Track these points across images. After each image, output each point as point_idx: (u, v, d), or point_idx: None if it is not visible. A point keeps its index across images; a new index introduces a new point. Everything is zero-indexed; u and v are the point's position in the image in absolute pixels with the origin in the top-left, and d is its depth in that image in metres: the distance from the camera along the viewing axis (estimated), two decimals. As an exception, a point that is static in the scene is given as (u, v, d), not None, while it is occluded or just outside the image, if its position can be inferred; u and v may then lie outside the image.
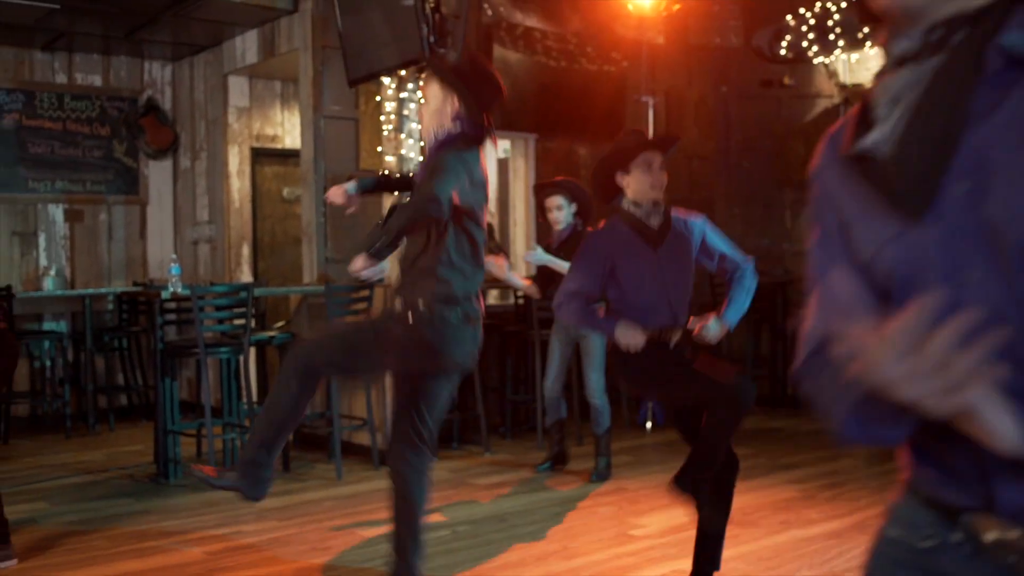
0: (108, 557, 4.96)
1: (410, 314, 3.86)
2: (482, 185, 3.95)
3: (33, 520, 5.65)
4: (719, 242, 4.35)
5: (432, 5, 6.40)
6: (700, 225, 4.34)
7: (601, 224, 4.32)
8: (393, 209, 4.05)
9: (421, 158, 4.04)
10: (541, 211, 6.76)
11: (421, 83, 4.01)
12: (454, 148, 3.89)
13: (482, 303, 4.08)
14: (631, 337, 4.05)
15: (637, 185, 4.15)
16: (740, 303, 4.24)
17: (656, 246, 4.19)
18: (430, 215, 3.73)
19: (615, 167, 4.18)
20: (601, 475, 6.53)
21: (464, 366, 4.06)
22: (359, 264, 3.80)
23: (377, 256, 3.79)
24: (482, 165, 3.97)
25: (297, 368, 3.88)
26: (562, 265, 6.29)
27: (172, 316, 7.11)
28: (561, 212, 6.52)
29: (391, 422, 4.09)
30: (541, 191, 6.68)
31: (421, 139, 4.06)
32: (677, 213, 4.28)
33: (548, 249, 6.60)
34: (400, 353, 3.95)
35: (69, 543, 5.21)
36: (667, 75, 9.72)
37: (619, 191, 4.23)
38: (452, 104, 3.96)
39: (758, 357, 9.59)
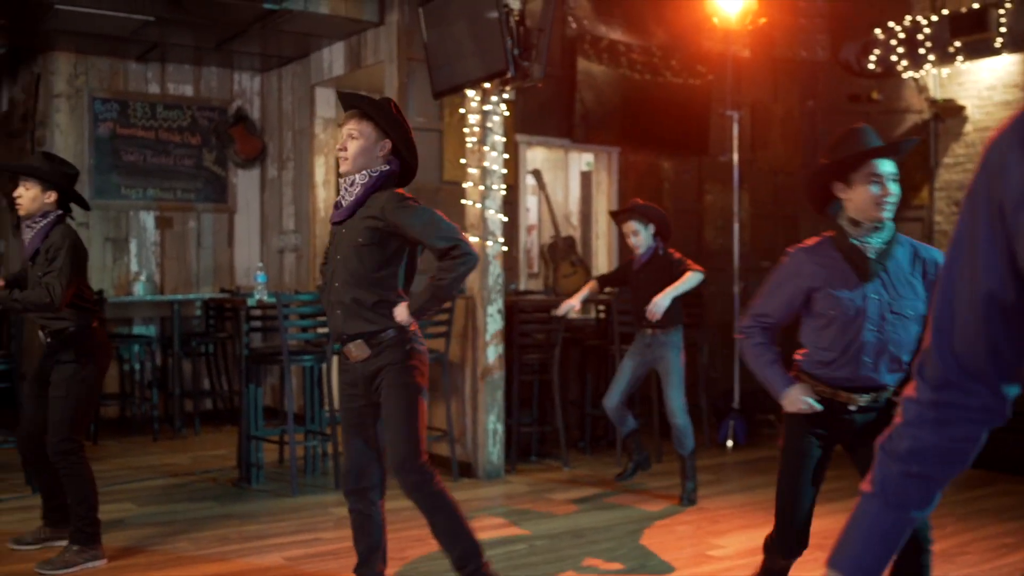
0: (192, 560, 5.05)
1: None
2: None
3: (120, 521, 5.78)
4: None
5: (516, 18, 6.42)
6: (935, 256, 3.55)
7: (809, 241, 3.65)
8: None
9: (345, 187, 4.04)
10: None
11: (346, 118, 3.99)
12: (392, 187, 4.00)
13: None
14: (798, 403, 3.55)
15: (859, 200, 3.46)
16: None
17: (866, 278, 3.48)
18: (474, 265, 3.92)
19: (832, 177, 3.51)
20: (690, 499, 6.38)
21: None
22: (402, 315, 3.93)
23: (417, 316, 3.95)
24: None
25: None
26: (690, 284, 6.27)
27: (257, 323, 7.23)
28: (639, 237, 6.45)
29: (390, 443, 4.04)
30: (617, 217, 6.69)
31: (341, 170, 4.06)
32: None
33: (629, 272, 6.63)
34: None
35: (154, 544, 5.32)
36: (753, 89, 9.63)
37: (833, 198, 3.55)
38: (385, 146, 4.02)
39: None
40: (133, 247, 9.16)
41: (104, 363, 5.08)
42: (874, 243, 3.47)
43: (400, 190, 4.00)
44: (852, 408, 3.55)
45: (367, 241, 3.92)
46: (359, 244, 3.93)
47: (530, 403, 7.81)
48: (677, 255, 6.45)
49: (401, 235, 3.94)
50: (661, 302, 6.14)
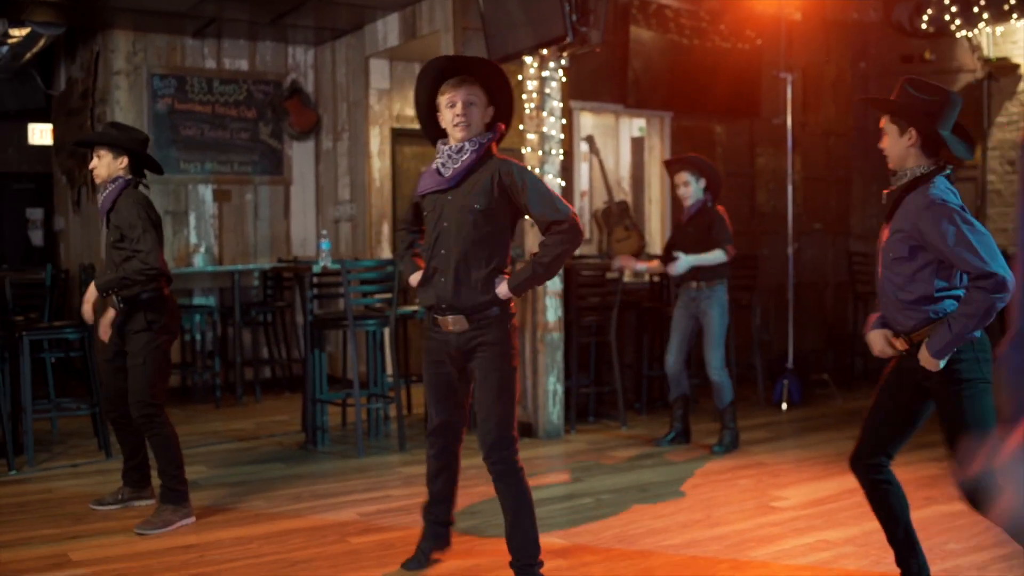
0: (269, 517, 5.21)
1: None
2: None
3: (194, 482, 5.91)
4: None
5: (574, -16, 6.47)
6: None
7: None
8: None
9: (449, 153, 3.93)
10: (673, 187, 6.88)
11: (458, 82, 3.86)
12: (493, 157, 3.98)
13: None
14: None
15: None
16: None
17: None
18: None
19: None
20: (726, 446, 6.60)
21: None
22: (504, 291, 3.87)
23: (516, 293, 3.90)
24: None
25: None
26: (711, 259, 6.49)
27: (318, 291, 7.36)
28: (689, 188, 6.60)
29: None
30: (670, 167, 6.80)
31: (459, 136, 3.93)
32: None
33: (679, 226, 6.77)
34: None
35: (230, 503, 5.48)
36: (804, 52, 9.62)
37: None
38: (490, 112, 3.98)
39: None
40: (192, 220, 9.34)
41: (176, 328, 5.23)
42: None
43: (509, 157, 3.99)
44: None
45: (484, 207, 3.86)
46: (475, 210, 3.86)
47: (587, 365, 7.91)
48: (723, 215, 6.61)
49: (514, 203, 3.90)
50: (681, 264, 6.45)
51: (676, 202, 9.10)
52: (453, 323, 3.93)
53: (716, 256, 6.50)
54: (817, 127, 9.90)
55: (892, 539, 3.86)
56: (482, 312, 3.89)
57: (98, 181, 5.12)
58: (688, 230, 6.64)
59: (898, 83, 3.74)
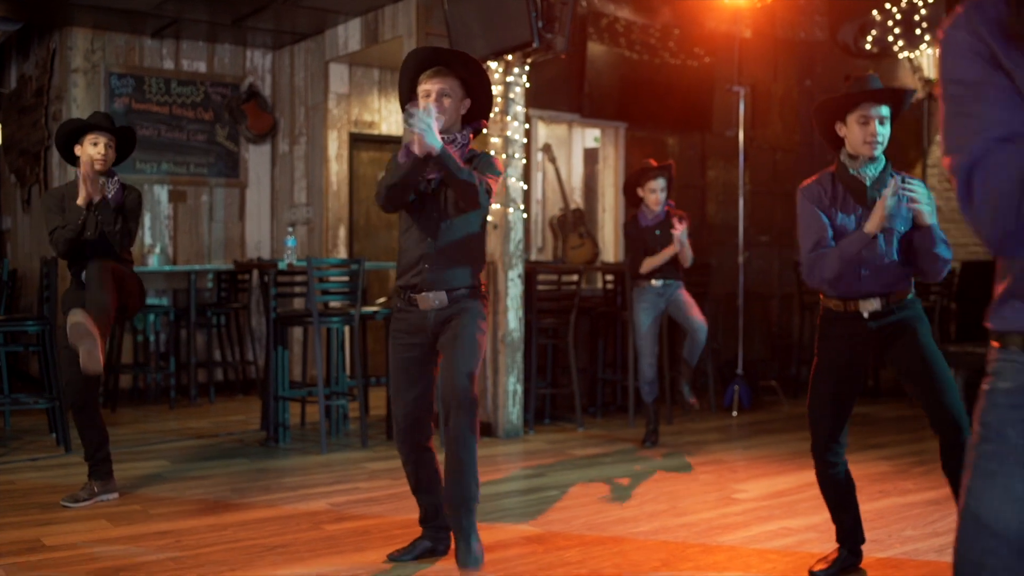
0: (240, 506, 5.25)
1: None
2: None
3: (159, 475, 5.97)
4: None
5: (540, -9, 6.62)
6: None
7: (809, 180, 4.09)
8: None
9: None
10: (631, 195, 7.07)
11: (433, 73, 4.02)
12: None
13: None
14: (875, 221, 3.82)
15: (852, 138, 3.92)
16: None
17: (863, 203, 3.95)
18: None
19: (833, 115, 3.97)
20: (689, 401, 7.19)
21: None
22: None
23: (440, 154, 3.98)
24: None
25: None
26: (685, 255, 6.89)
27: (285, 289, 7.40)
28: (663, 194, 6.91)
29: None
30: (647, 174, 6.93)
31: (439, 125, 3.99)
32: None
33: (638, 227, 7.01)
34: None
35: (200, 494, 5.51)
36: (753, 69, 9.88)
37: (840, 141, 4.02)
38: (466, 104, 4.12)
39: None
40: (147, 220, 9.31)
41: (134, 303, 5.42)
42: (869, 173, 3.96)
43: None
44: (865, 315, 3.94)
45: None
46: (462, 205, 4.04)
47: (544, 368, 8.04)
48: (681, 214, 6.99)
49: None
50: (682, 233, 6.79)
51: (631, 211, 9.31)
52: (435, 298, 4.09)
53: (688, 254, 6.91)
54: (764, 142, 10.17)
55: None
56: (458, 291, 4.11)
57: (101, 168, 5.19)
58: (660, 232, 6.91)
59: None
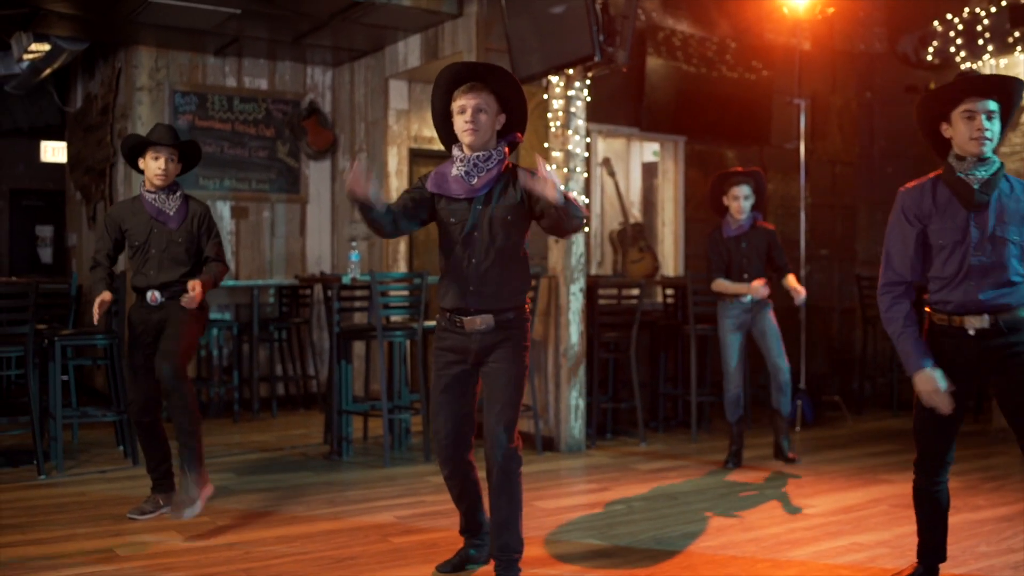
0: (307, 519, 5.29)
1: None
2: None
3: (227, 487, 6.02)
4: None
5: (601, 4, 6.63)
6: None
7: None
8: None
9: (475, 161, 4.03)
10: (716, 203, 6.77)
11: (468, 88, 4.00)
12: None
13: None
14: (930, 395, 3.73)
15: (958, 137, 3.73)
16: None
17: (971, 207, 3.71)
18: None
19: (937, 115, 3.80)
20: (788, 455, 6.79)
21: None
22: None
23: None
24: None
25: None
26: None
27: (346, 303, 7.46)
28: (747, 201, 6.59)
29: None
30: (729, 180, 6.67)
31: (467, 142, 4.02)
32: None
33: (721, 238, 6.70)
34: None
35: (266, 507, 5.56)
36: (811, 81, 9.81)
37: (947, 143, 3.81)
38: (501, 120, 4.08)
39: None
40: (210, 236, 9.40)
41: (206, 319, 5.45)
42: (979, 175, 3.71)
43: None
44: (970, 332, 3.72)
45: (516, 218, 4.01)
46: (508, 221, 4.00)
47: (606, 383, 8.02)
48: (775, 232, 6.73)
49: (531, 207, 4.00)
50: (802, 289, 6.54)
51: (691, 224, 9.29)
52: (481, 322, 4.04)
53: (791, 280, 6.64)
54: (824, 155, 10.09)
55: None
56: (505, 313, 4.05)
57: (163, 183, 5.24)
58: (744, 244, 6.63)
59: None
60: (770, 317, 6.64)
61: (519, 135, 4.18)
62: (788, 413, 6.75)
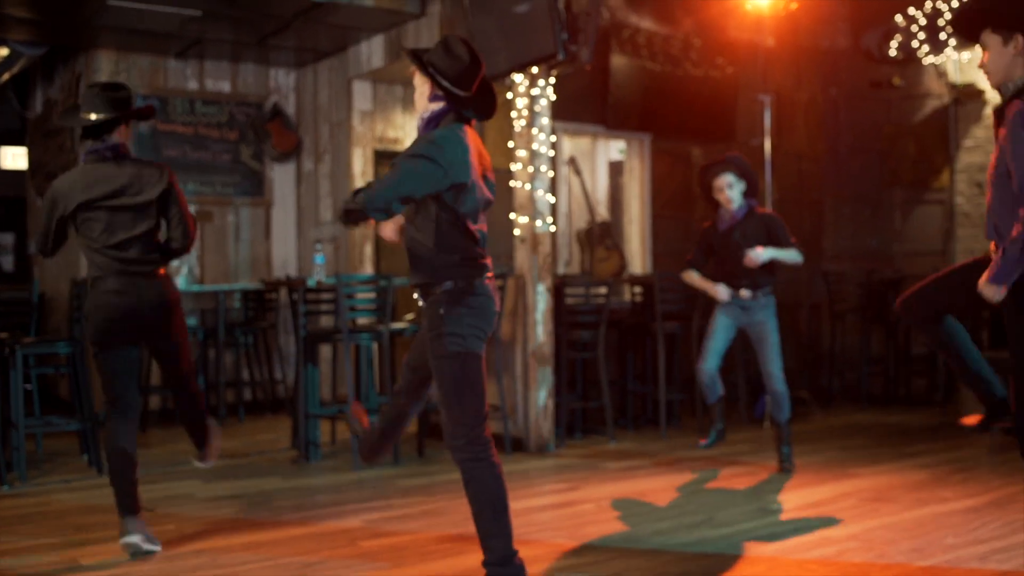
0: (275, 524, 5.23)
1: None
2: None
3: (191, 495, 5.96)
4: None
5: (564, 2, 6.62)
6: None
7: None
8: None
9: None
10: (706, 195, 6.48)
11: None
12: (450, 123, 3.94)
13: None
14: None
15: None
16: None
17: None
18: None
19: None
20: (788, 466, 6.34)
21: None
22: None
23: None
24: (467, 139, 3.92)
25: None
26: (789, 257, 6.20)
27: (312, 307, 7.39)
28: (733, 190, 6.24)
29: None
30: (709, 171, 6.40)
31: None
32: None
33: (713, 235, 6.41)
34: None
35: (234, 513, 5.50)
36: (776, 77, 9.85)
37: None
38: (429, 86, 4.04)
39: (870, 356, 9.61)
40: (174, 241, 9.31)
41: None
42: None
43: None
44: None
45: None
46: None
47: (574, 382, 8.00)
48: (776, 216, 6.36)
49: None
50: (763, 253, 6.06)
51: (657, 222, 9.30)
52: (417, 299, 4.10)
53: (792, 256, 6.20)
54: (789, 150, 10.13)
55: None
56: (428, 290, 3.99)
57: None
58: (736, 235, 6.27)
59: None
60: (769, 324, 6.28)
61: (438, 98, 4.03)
62: (783, 421, 6.37)
